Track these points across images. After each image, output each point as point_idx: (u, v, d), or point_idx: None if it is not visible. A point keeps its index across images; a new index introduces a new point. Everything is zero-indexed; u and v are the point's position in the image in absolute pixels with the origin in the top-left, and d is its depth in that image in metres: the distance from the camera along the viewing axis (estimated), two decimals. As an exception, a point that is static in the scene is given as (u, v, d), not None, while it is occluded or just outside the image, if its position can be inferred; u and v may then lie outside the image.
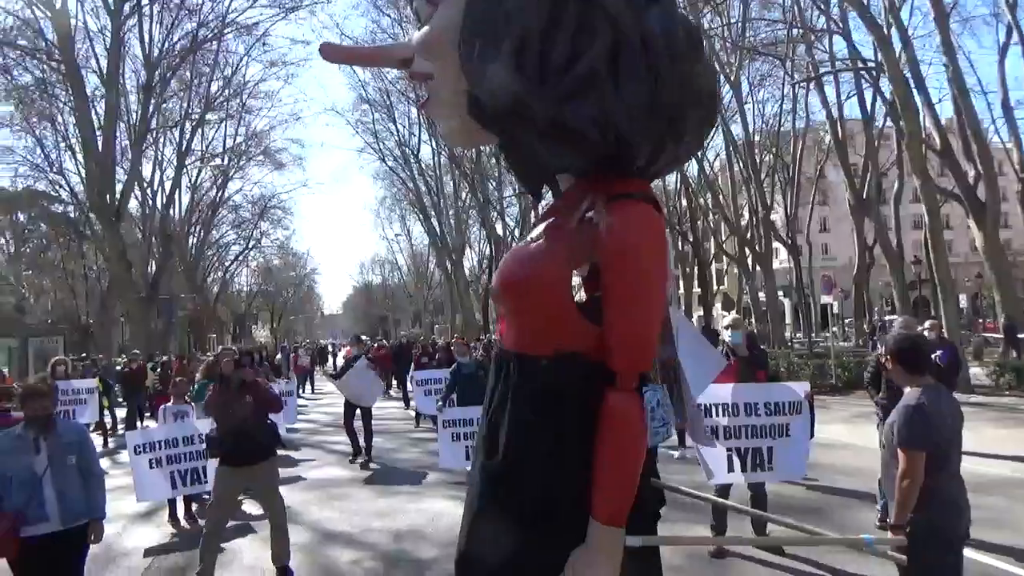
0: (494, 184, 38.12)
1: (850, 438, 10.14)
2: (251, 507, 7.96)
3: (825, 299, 19.49)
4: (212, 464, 7.24)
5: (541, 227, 1.67)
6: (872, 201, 26.32)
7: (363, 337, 14.74)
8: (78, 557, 4.20)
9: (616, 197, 1.55)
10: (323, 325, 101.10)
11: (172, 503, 7.55)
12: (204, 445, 7.39)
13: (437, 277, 60.94)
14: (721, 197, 30.78)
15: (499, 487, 1.64)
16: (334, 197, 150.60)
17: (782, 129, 32.04)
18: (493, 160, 37.70)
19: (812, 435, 5.58)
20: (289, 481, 9.40)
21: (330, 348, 39.65)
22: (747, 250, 28.80)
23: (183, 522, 7.55)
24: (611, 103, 1.51)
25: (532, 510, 1.58)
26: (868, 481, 7.17)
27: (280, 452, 11.30)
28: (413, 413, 15.26)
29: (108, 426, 13.98)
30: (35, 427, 4.14)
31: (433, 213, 40.40)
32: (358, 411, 10.84)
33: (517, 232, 38.89)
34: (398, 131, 39.11)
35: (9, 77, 24.87)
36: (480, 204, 36.67)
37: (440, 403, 9.02)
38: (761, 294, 28.15)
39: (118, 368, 19.38)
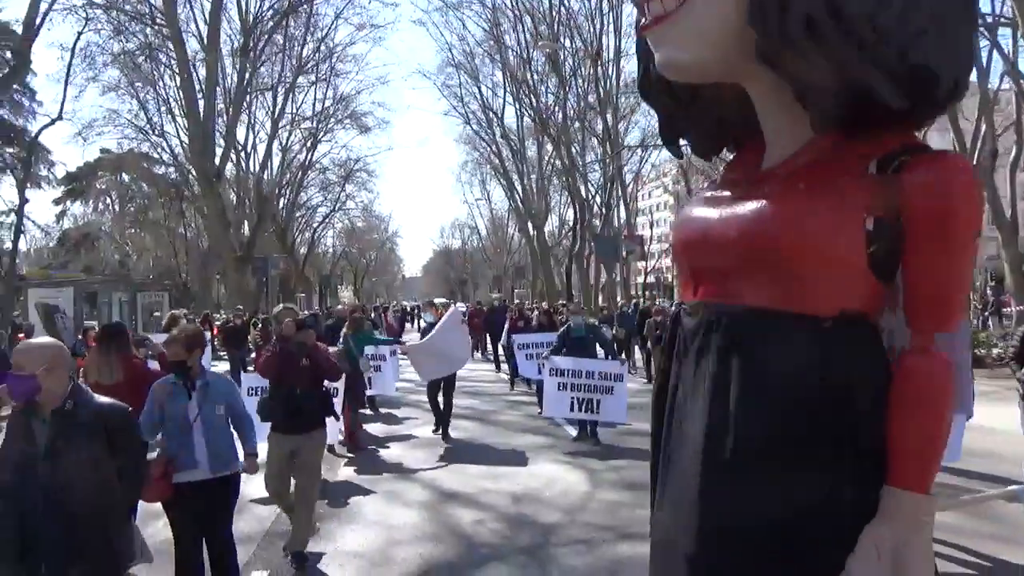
0: (578, 149, 37.61)
1: (975, 418, 9.62)
2: (374, 459, 8.16)
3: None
4: None
5: (802, 180, 1.51)
6: (985, 168, 24.73)
7: (436, 301, 14.41)
8: (225, 505, 4.33)
9: (915, 149, 1.45)
10: (403, 288, 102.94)
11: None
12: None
13: (517, 242, 61.03)
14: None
15: (768, 462, 1.47)
16: (417, 160, 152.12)
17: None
18: (577, 124, 37.38)
19: (971, 415, 5.27)
20: (401, 438, 9.65)
21: (415, 311, 40.24)
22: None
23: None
24: (959, 44, 1.37)
25: (819, 483, 1.44)
26: (1000, 464, 6.82)
27: (383, 411, 11.70)
28: (506, 376, 15.38)
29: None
30: (179, 374, 4.29)
31: (516, 177, 40.34)
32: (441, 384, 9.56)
33: (598, 198, 38.38)
34: (482, 94, 39.11)
35: (122, 40, 25.86)
36: (565, 168, 36.24)
37: (546, 354, 9.13)
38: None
39: (218, 324, 20.23)
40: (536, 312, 14.56)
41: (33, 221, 41.14)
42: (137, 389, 5.41)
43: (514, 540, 5.57)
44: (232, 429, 4.40)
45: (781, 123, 1.60)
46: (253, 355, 16.45)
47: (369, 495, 6.88)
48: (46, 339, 3.19)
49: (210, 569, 4.26)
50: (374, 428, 10.29)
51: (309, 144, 39.41)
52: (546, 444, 9.16)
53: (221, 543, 4.31)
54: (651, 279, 59.66)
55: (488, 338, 19.96)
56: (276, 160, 37.83)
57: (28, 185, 28.58)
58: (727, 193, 1.65)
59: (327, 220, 49.83)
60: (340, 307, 14.91)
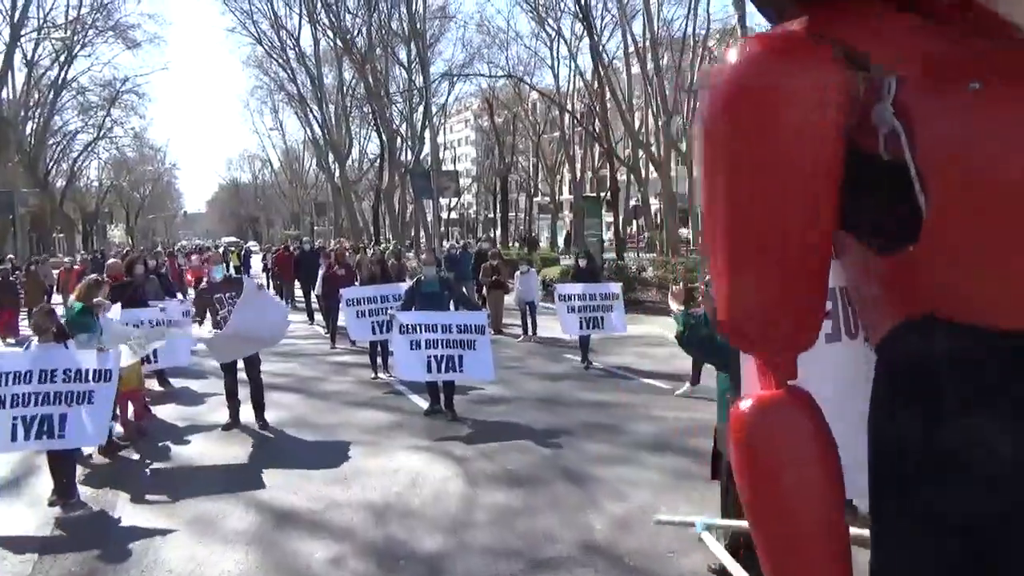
0: (382, 77, 34.93)
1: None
2: (170, 467, 6.09)
3: None
4: (76, 414, 5.28)
5: None
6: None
7: (225, 240, 11.86)
8: None
9: None
10: (186, 225, 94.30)
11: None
12: (73, 385, 5.38)
13: (314, 176, 57.23)
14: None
15: None
16: (198, 84, 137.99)
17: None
18: (379, 51, 34.52)
19: None
20: (205, 429, 7.45)
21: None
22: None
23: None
24: None
25: None
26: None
27: (177, 385, 9.39)
28: (323, 331, 13.43)
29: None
30: None
31: (314, 106, 36.97)
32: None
33: (405, 128, 35.83)
34: (274, 11, 35.04)
35: None
36: (372, 94, 33.53)
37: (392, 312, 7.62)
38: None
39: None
40: (369, 256, 12.44)
41: None
42: None
43: (393, 590, 4.02)
44: None
45: None
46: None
47: (168, 531, 4.84)
48: None
49: None
50: (166, 412, 8.08)
51: (63, 59, 33.91)
52: (393, 422, 7.57)
53: None
54: (454, 215, 58.50)
55: (298, 285, 17.70)
56: (20, 77, 32.28)
57: None
58: None
59: (89, 149, 43.51)
60: (112, 260, 11.93)
